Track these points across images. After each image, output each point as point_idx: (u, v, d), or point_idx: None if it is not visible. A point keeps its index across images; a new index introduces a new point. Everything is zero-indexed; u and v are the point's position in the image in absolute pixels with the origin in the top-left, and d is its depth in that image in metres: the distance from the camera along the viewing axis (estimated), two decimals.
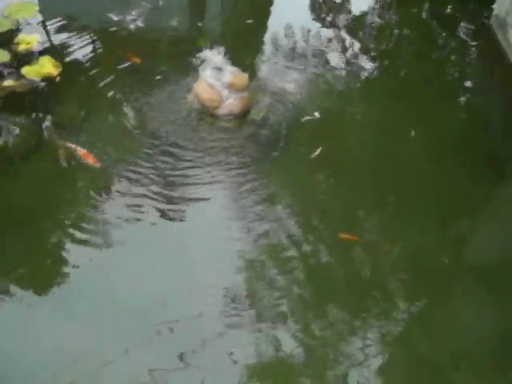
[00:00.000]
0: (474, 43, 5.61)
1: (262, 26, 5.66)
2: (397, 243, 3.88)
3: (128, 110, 4.54)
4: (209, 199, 4.01)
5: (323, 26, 5.72)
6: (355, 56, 5.32)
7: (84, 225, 3.79)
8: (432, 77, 5.22)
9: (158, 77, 4.83)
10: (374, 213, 4.04)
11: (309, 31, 5.56)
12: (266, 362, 3.25)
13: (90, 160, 4.12)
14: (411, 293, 3.63)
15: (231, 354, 3.25)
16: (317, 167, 4.26)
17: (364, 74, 5.15)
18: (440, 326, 3.51)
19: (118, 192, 3.99)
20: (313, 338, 3.37)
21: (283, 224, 3.89)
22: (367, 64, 5.25)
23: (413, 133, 4.56)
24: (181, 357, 3.22)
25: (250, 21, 5.69)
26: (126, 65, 4.92)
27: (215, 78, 4.54)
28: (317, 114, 4.65)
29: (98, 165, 4.11)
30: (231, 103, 4.54)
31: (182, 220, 3.90)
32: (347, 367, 3.25)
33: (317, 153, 4.33)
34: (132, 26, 5.39)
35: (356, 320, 3.46)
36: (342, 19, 5.85)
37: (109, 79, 4.79)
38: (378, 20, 5.89)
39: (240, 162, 4.24)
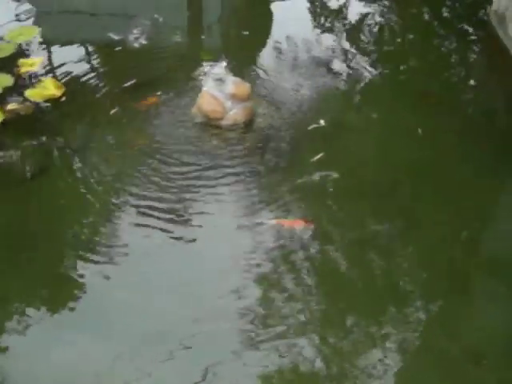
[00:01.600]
0: (475, 38, 5.62)
1: (261, 35, 5.66)
2: (411, 242, 3.86)
3: (133, 127, 4.55)
4: (218, 210, 3.99)
5: (323, 32, 5.73)
6: (357, 60, 5.31)
7: (95, 244, 3.77)
8: (434, 76, 5.21)
9: (160, 92, 4.83)
10: (388, 214, 4.01)
11: (309, 38, 5.56)
12: (284, 373, 3.20)
13: (298, 224, 3.91)
14: (429, 292, 3.58)
15: (250, 367, 3.21)
16: (324, 171, 4.23)
17: (366, 78, 5.13)
18: (460, 323, 3.48)
19: (127, 208, 3.98)
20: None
21: (295, 236, 3.84)
22: (369, 68, 5.24)
23: (420, 131, 4.55)
24: (198, 375, 3.15)
25: (248, 31, 5.70)
26: (129, 83, 4.92)
27: (217, 89, 4.54)
28: (322, 122, 4.63)
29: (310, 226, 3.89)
30: (235, 113, 4.54)
31: (192, 232, 3.87)
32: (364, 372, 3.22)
33: (318, 157, 4.31)
34: (134, 45, 5.42)
35: (374, 322, 3.42)
36: (341, 24, 5.86)
37: (112, 97, 4.80)
38: (377, 22, 5.88)
39: (247, 171, 4.23)
